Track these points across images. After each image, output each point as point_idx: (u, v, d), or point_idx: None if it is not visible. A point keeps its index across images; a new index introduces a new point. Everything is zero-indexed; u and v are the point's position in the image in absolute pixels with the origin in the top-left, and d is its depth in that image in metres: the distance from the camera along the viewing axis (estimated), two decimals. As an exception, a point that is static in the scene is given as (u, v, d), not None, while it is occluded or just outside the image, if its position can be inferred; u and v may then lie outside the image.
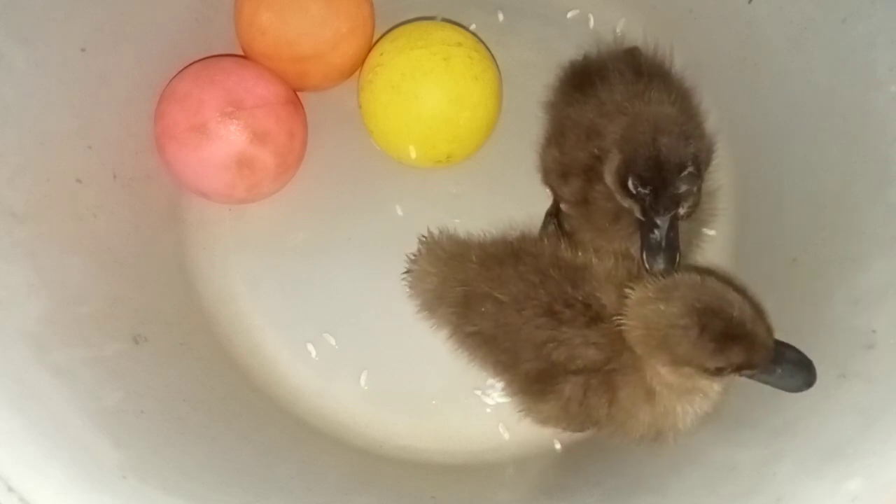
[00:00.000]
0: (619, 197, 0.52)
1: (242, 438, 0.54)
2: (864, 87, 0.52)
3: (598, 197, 0.54)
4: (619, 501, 0.50)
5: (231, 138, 0.57)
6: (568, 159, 0.56)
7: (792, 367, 0.45)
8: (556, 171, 0.58)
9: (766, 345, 0.45)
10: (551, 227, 0.61)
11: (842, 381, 0.45)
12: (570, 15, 0.67)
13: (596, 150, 0.54)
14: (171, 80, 0.59)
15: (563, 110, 0.59)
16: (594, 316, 0.49)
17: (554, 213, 0.61)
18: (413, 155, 0.60)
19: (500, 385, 0.59)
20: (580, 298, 0.50)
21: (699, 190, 0.51)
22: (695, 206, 0.51)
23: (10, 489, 0.39)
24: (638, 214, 0.51)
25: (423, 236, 0.59)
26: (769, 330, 0.46)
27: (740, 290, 0.47)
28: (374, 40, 0.63)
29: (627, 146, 0.51)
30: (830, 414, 0.45)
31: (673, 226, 0.50)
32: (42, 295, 0.48)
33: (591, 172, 0.55)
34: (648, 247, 0.50)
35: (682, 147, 0.50)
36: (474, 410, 0.60)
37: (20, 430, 0.41)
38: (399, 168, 0.63)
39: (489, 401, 0.59)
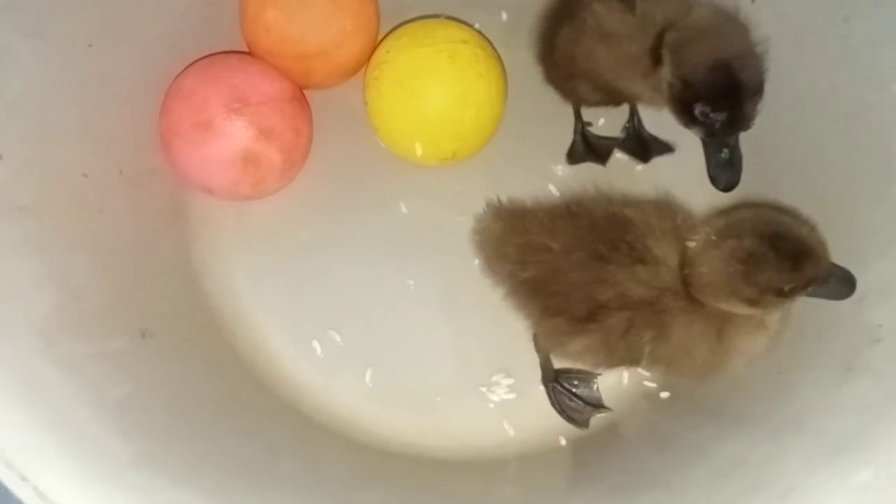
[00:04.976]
0: (679, 121, 0.51)
1: (248, 434, 0.54)
2: (866, 86, 0.52)
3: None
4: (625, 497, 0.50)
5: (237, 135, 0.57)
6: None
7: (842, 277, 0.47)
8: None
9: (827, 257, 0.47)
10: (580, 146, 0.63)
11: (849, 376, 0.46)
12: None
13: None
14: (176, 77, 0.60)
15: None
16: (639, 257, 0.50)
17: (580, 133, 0.63)
18: (419, 152, 0.60)
19: (506, 382, 0.59)
20: (627, 241, 0.50)
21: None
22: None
23: (24, 479, 0.39)
24: (702, 136, 0.50)
25: (490, 200, 0.59)
26: (823, 242, 0.47)
27: (789, 213, 0.49)
28: (379, 39, 0.63)
29: (692, 72, 0.49)
30: (838, 408, 0.45)
31: (738, 140, 0.50)
32: (49, 289, 0.48)
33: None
34: (717, 165, 0.50)
35: (758, 64, 0.49)
36: (479, 407, 0.60)
37: (31, 422, 0.41)
38: (403, 166, 0.63)
39: (494, 397, 0.60)
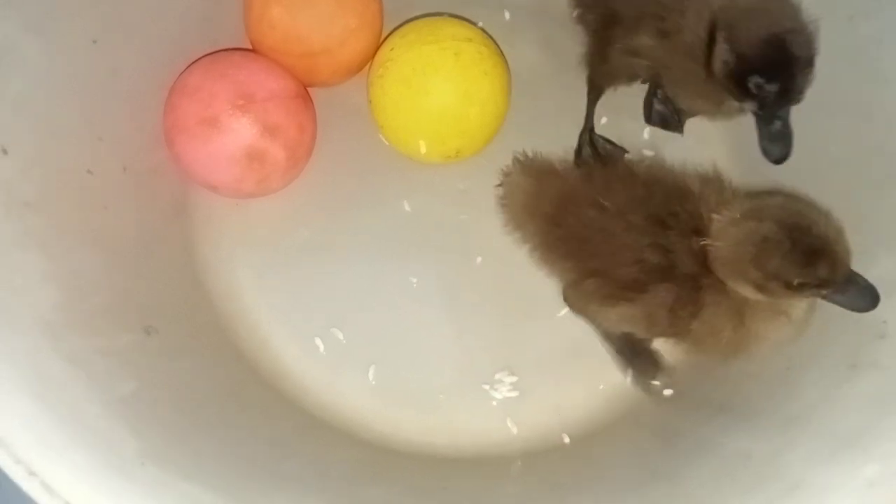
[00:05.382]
0: (732, 97, 0.52)
1: (253, 430, 0.54)
2: (870, 84, 0.53)
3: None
4: (631, 492, 0.50)
5: (242, 131, 0.57)
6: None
7: (862, 289, 0.47)
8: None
9: (846, 262, 0.46)
10: (587, 150, 0.63)
11: (854, 371, 0.46)
12: (575, 14, 0.68)
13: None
14: (181, 74, 0.59)
15: None
16: (696, 228, 0.50)
17: (588, 134, 0.63)
18: (423, 150, 0.60)
19: (509, 380, 0.59)
20: (687, 209, 0.51)
21: None
22: None
23: (32, 473, 0.39)
24: (755, 110, 0.51)
25: (518, 154, 0.59)
26: (848, 250, 0.47)
27: (823, 212, 0.48)
28: (383, 37, 0.63)
29: (747, 46, 0.50)
30: (844, 403, 0.45)
31: (789, 112, 0.51)
32: (55, 283, 0.48)
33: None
34: (770, 137, 0.51)
35: (810, 38, 0.50)
36: (482, 405, 0.60)
37: (39, 416, 0.41)
38: (407, 164, 0.63)
39: (497, 395, 0.60)
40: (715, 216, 0.49)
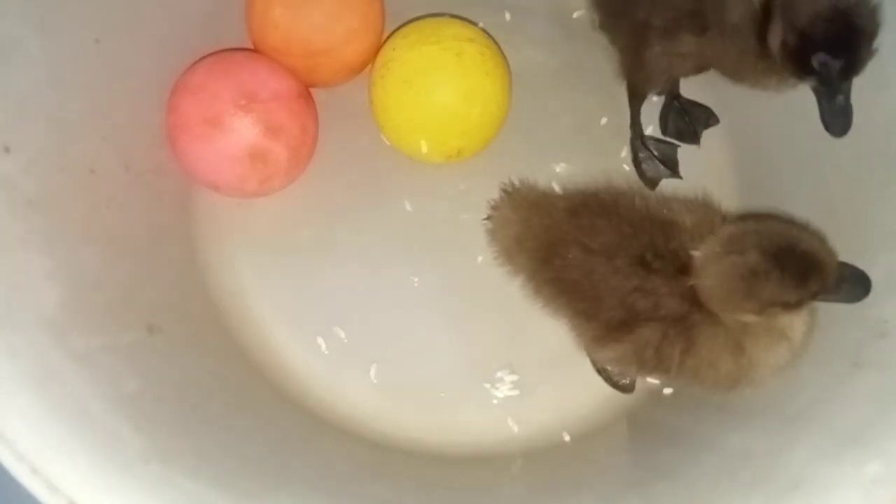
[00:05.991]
0: (793, 75, 0.51)
1: (256, 428, 0.54)
2: (870, 84, 0.53)
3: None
4: (632, 491, 0.50)
5: (245, 131, 0.57)
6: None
7: (853, 281, 0.47)
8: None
9: (833, 267, 0.46)
10: (647, 165, 0.63)
11: (855, 370, 0.46)
12: (575, 15, 0.68)
13: None
14: (183, 73, 0.59)
15: None
16: (682, 267, 0.49)
17: (640, 142, 0.63)
18: (424, 150, 0.60)
19: (510, 379, 0.59)
20: (671, 249, 0.50)
21: None
22: None
23: (35, 471, 0.39)
24: (815, 85, 0.50)
25: (505, 184, 0.59)
26: (833, 253, 0.47)
27: (799, 225, 0.48)
28: (385, 37, 0.63)
29: (809, 23, 0.49)
30: (845, 401, 0.45)
31: (850, 85, 0.50)
32: (59, 282, 0.48)
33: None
34: (832, 113, 0.50)
35: (873, 9, 0.49)
36: (483, 403, 0.60)
37: (43, 414, 0.41)
38: (408, 164, 0.63)
39: (498, 394, 0.60)
40: (694, 253, 0.49)
